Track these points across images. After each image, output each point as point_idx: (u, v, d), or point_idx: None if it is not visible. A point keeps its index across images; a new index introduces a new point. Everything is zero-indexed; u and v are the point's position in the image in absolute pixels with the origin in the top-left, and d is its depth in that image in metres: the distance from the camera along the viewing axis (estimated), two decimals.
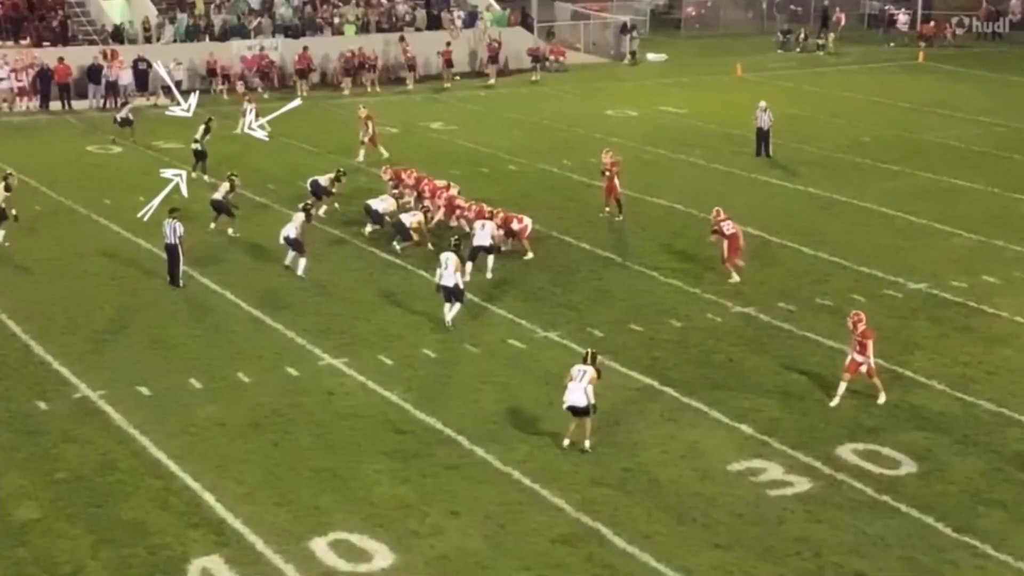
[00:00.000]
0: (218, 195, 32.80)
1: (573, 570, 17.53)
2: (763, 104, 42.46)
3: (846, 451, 20.92)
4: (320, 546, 17.99)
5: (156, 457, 20.65)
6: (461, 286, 26.21)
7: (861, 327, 22.81)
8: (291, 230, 29.71)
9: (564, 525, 18.63)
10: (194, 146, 38.95)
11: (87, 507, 19.05)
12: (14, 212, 31.98)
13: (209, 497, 19.29)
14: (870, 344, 22.71)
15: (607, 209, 34.80)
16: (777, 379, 23.96)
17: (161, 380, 23.66)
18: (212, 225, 32.73)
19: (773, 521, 18.80)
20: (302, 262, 29.60)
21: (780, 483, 19.94)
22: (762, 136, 42.21)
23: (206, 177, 37.97)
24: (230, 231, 32.60)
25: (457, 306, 26.12)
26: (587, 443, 20.88)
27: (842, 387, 22.75)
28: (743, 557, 17.85)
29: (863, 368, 22.75)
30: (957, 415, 22.43)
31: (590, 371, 20.99)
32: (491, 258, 29.62)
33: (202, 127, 39.52)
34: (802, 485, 19.86)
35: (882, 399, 22.74)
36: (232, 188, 33.08)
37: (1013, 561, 17.72)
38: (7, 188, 32.20)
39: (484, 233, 29.53)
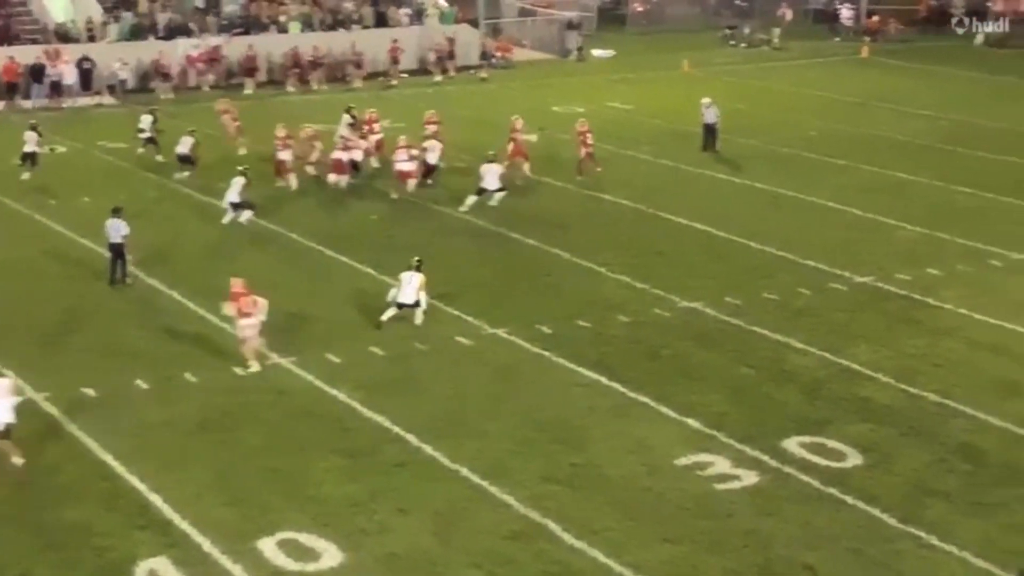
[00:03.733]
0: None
1: (523, 566, 17.55)
2: (706, 100, 42.62)
3: (793, 444, 21.04)
4: (268, 546, 17.93)
5: (102, 459, 20.52)
6: (422, 304, 26.00)
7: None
8: (233, 195, 32.68)
9: (513, 521, 18.65)
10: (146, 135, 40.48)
11: (33, 510, 18.90)
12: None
13: (156, 498, 19.18)
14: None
15: (598, 169, 38.15)
16: (724, 373, 24.07)
17: (107, 381, 23.49)
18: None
19: (722, 515, 18.89)
20: (247, 213, 32.82)
21: (728, 477, 20.03)
22: (708, 131, 42.35)
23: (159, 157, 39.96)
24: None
25: (420, 313, 26.04)
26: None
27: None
28: (692, 551, 17.93)
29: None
30: (902, 407, 22.61)
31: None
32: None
33: (150, 117, 40.72)
34: (750, 479, 19.96)
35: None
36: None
37: (958, 551, 17.88)
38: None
39: None
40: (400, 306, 25.82)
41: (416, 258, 26.19)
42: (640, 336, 25.90)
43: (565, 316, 26.88)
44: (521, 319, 26.67)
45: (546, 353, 24.91)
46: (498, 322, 26.47)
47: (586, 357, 24.63)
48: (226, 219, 33.02)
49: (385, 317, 25.81)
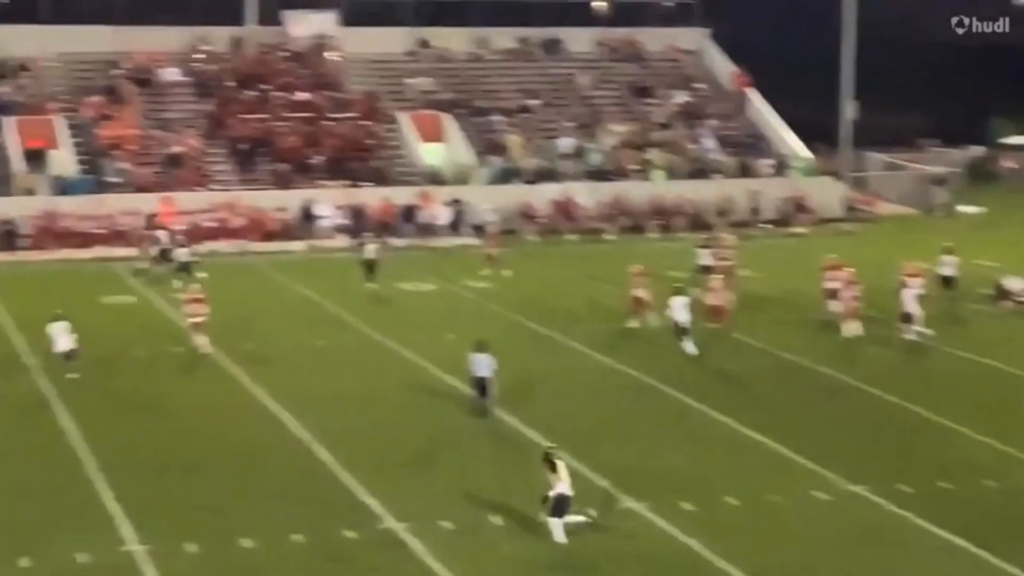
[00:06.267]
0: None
1: None
2: None
3: None
4: None
5: None
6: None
7: None
8: (682, 314, 35.17)
9: None
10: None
11: None
12: None
13: None
14: None
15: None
16: None
17: (464, 515, 23.83)
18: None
19: None
20: (690, 344, 34.81)
21: None
22: None
23: None
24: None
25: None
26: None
27: None
28: None
29: None
30: None
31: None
32: None
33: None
34: None
35: None
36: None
37: None
38: None
39: None
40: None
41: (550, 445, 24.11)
42: (1010, 503, 24.65)
43: (926, 476, 25.89)
44: (880, 477, 25.81)
45: (907, 514, 24.00)
46: (857, 479, 25.67)
47: (951, 521, 23.55)
48: (689, 348, 34.97)
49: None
